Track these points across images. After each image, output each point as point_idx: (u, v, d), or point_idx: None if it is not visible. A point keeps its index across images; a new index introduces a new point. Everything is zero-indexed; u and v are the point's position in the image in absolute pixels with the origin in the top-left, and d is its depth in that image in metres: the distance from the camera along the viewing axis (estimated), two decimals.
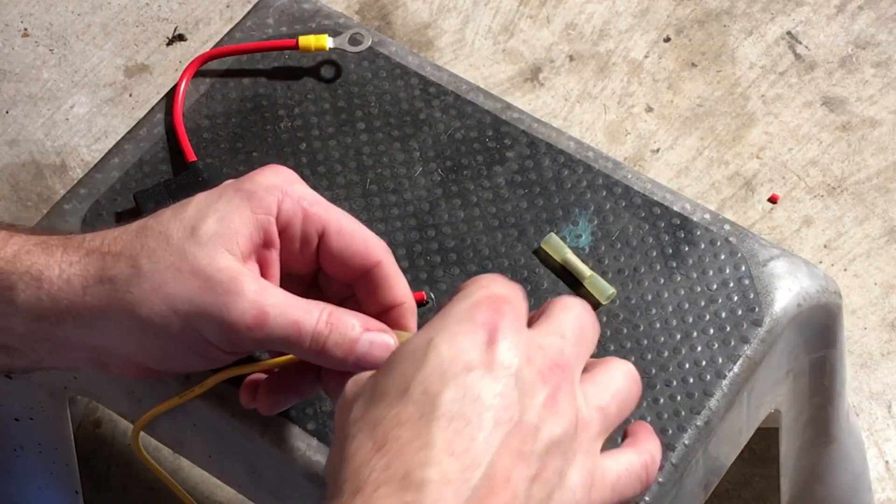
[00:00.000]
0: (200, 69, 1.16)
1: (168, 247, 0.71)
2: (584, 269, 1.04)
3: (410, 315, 0.78)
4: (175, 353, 0.71)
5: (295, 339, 0.69)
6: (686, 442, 0.97)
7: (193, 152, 1.11)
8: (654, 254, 1.05)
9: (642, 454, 0.68)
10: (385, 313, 0.76)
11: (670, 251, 1.05)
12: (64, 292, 0.71)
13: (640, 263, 1.05)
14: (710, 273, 1.04)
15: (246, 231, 0.71)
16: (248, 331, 0.69)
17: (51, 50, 2.03)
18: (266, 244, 0.72)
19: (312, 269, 0.76)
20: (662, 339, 1.01)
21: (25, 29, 2.05)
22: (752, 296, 1.03)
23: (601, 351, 1.01)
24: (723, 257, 1.05)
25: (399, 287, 0.75)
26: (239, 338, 0.69)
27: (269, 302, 0.69)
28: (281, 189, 0.74)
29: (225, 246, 0.70)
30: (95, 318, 0.70)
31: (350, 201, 1.09)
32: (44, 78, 2.00)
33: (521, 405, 0.58)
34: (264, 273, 0.73)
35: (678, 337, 1.01)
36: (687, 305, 1.03)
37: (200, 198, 0.74)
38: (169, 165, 1.11)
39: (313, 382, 0.78)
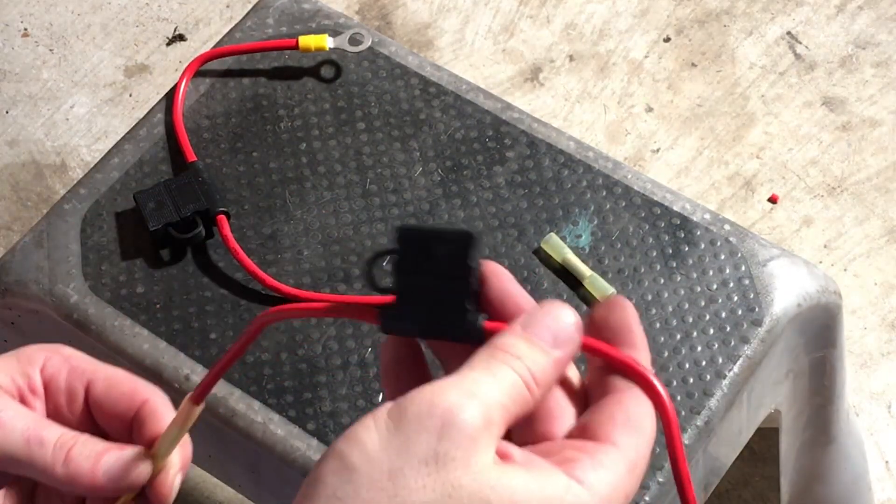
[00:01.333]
0: (200, 69, 1.16)
1: None
2: (584, 269, 1.04)
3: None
4: None
5: (36, 444, 0.67)
6: (686, 442, 0.97)
7: (193, 152, 1.11)
8: (654, 254, 1.05)
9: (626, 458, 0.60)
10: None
11: (670, 251, 1.05)
12: None
13: (640, 263, 1.05)
14: (710, 273, 1.04)
15: (7, 378, 0.69)
16: None
17: (51, 50, 2.03)
18: (29, 390, 0.70)
19: (86, 430, 0.72)
20: (662, 339, 1.01)
21: (25, 29, 2.05)
22: (752, 296, 1.03)
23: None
24: (723, 257, 1.05)
25: (167, 421, 0.71)
26: None
27: (5, 408, 0.67)
28: (48, 348, 0.72)
29: None
30: None
31: (350, 201, 1.09)
32: (44, 78, 2.00)
33: None
34: None
35: (678, 337, 1.01)
36: (687, 305, 1.03)
37: None
38: (169, 165, 1.11)
39: None
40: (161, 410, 0.69)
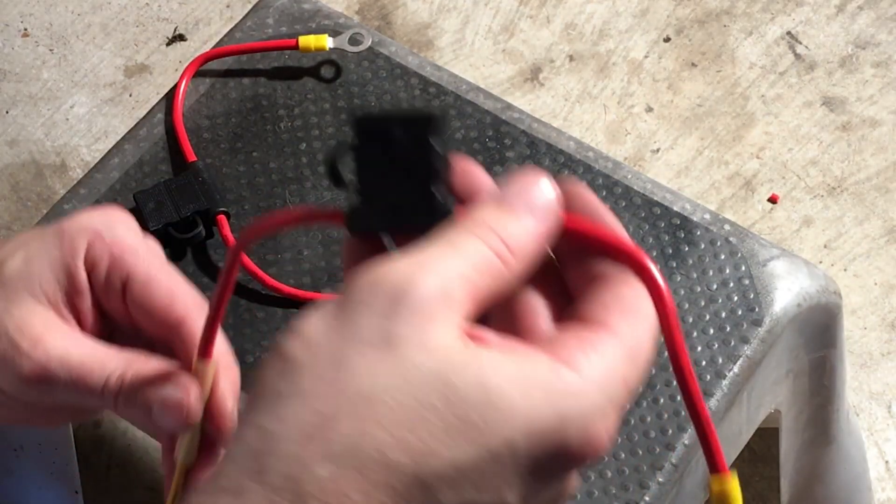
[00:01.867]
0: (200, 69, 1.16)
1: None
2: None
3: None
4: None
5: (84, 382, 0.63)
6: (686, 442, 0.97)
7: (193, 152, 1.11)
8: (654, 254, 1.05)
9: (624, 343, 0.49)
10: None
11: (670, 251, 1.05)
12: None
13: None
14: (710, 273, 1.04)
15: (50, 274, 0.65)
16: (34, 385, 0.64)
17: (51, 50, 2.03)
18: (73, 289, 0.66)
19: (128, 318, 0.68)
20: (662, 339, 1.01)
21: (25, 29, 2.05)
22: (752, 296, 1.03)
23: None
24: (723, 257, 1.05)
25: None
26: (30, 389, 0.64)
27: (55, 352, 0.64)
28: (94, 230, 0.66)
29: (26, 288, 0.65)
30: None
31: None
32: (44, 78, 2.00)
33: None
34: (79, 320, 0.67)
35: None
36: (687, 305, 1.03)
37: (23, 234, 0.69)
38: (169, 165, 1.11)
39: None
40: (198, 335, 0.65)
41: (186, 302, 0.66)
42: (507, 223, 0.48)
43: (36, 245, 0.66)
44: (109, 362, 0.64)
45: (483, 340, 0.48)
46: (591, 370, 0.47)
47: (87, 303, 0.66)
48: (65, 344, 0.65)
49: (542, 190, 0.49)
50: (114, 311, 0.67)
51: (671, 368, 0.51)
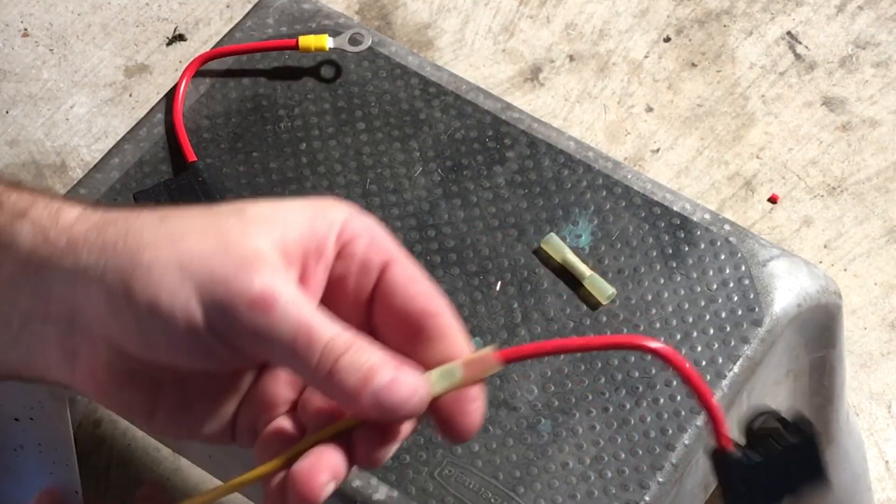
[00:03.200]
0: (200, 69, 1.16)
1: (206, 213, 0.60)
2: (584, 269, 1.04)
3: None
4: (159, 330, 0.59)
5: (303, 343, 0.56)
6: (686, 442, 0.97)
7: (193, 152, 1.11)
8: (654, 254, 1.05)
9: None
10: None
11: (670, 251, 1.05)
12: (75, 229, 0.60)
13: (640, 263, 1.05)
14: (710, 273, 1.04)
15: (296, 228, 0.59)
16: (248, 309, 0.56)
17: (51, 50, 2.03)
18: (317, 252, 0.60)
19: (360, 319, 0.62)
20: (662, 339, 1.01)
21: (25, 29, 2.05)
22: (752, 296, 1.03)
23: (602, 354, 1.01)
24: (723, 257, 1.05)
25: (458, 345, 0.59)
26: (236, 318, 0.57)
27: (284, 290, 0.56)
28: (350, 210, 0.61)
29: (267, 230, 0.58)
30: (92, 256, 0.59)
31: (350, 201, 1.09)
32: (44, 78, 2.00)
33: None
34: (304, 286, 0.60)
35: (678, 337, 1.01)
36: (687, 305, 1.03)
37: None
38: (169, 165, 1.12)
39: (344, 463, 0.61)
40: (452, 335, 0.59)
41: (439, 297, 0.61)
42: None
43: (285, 203, 0.60)
44: (338, 323, 0.58)
45: None
46: None
47: (322, 274, 0.61)
48: (297, 299, 0.58)
49: None
50: (346, 305, 0.61)
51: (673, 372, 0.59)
